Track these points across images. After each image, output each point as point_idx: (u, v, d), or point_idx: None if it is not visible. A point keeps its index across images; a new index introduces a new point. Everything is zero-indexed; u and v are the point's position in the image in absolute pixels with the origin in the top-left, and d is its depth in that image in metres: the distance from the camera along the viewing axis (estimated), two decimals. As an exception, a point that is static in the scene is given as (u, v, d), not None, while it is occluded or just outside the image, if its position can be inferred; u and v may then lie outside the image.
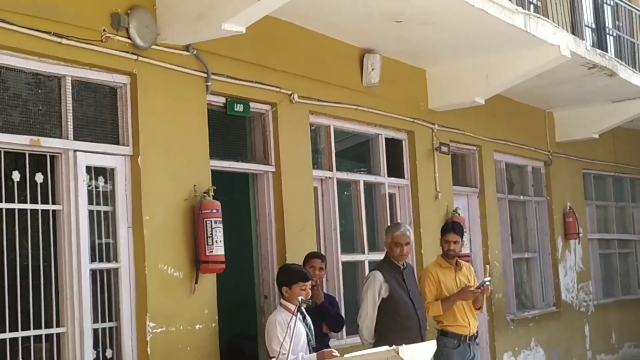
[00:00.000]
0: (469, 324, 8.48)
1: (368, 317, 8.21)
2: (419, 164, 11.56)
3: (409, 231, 8.47)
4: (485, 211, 13.16)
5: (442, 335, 8.40)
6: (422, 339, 7.99)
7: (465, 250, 11.82)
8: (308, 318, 7.25)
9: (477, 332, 8.60)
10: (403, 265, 8.37)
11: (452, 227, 8.86)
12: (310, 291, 7.13)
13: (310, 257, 8.54)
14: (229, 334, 9.39)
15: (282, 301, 7.16)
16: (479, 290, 8.39)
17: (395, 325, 8.12)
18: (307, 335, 7.07)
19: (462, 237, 8.67)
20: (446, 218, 11.70)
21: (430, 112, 11.80)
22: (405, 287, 8.29)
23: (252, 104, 8.99)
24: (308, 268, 8.16)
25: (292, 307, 6.91)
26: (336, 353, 6.94)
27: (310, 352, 7.05)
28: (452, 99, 11.75)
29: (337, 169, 10.27)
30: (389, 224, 10.89)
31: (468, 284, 8.53)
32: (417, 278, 8.76)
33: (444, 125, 12.04)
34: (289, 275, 7.21)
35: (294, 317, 6.65)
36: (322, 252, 9.88)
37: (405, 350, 6.51)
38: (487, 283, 8.47)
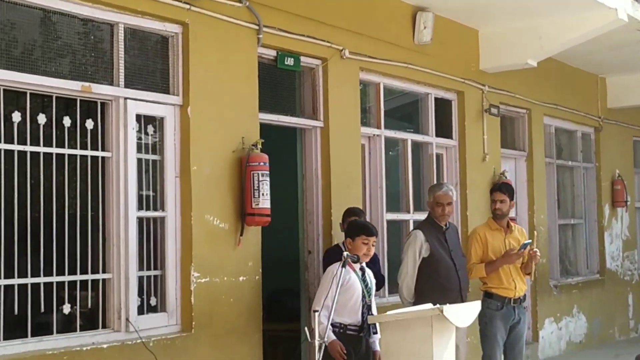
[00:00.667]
0: (515, 287, 8.40)
1: (408, 276, 8.18)
2: (468, 125, 11.47)
3: (451, 191, 8.38)
4: (533, 175, 13.06)
5: (486, 297, 8.34)
6: (462, 300, 7.93)
7: (511, 214, 11.75)
8: (369, 276, 7.21)
9: (524, 296, 8.50)
10: (446, 225, 8.32)
11: (499, 186, 8.80)
12: (372, 247, 7.10)
13: (346, 214, 8.45)
14: (272, 287, 9.41)
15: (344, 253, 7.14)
16: (522, 251, 8.30)
17: (435, 285, 8.07)
18: (363, 292, 7.03)
19: (510, 198, 8.55)
20: (493, 180, 11.63)
21: (481, 73, 11.68)
22: (447, 247, 8.23)
23: (302, 58, 8.94)
24: (345, 225, 8.13)
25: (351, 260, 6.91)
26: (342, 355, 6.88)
27: (363, 310, 7.02)
28: (503, 60, 11.61)
29: (385, 128, 10.20)
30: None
31: (517, 247, 8.42)
32: (461, 239, 8.68)
33: (494, 87, 11.92)
34: (354, 229, 7.19)
35: (340, 270, 6.61)
36: (367, 210, 9.88)
37: (449, 309, 6.52)
38: (530, 245, 8.37)
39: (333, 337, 6.81)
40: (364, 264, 7.12)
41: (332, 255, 8.11)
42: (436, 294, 7.86)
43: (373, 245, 7.12)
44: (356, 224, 7.33)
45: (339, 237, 8.54)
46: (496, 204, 8.50)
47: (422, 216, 10.51)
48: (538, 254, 8.46)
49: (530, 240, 8.47)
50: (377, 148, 10.07)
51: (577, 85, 14.24)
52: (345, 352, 6.84)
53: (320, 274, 8.26)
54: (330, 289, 6.60)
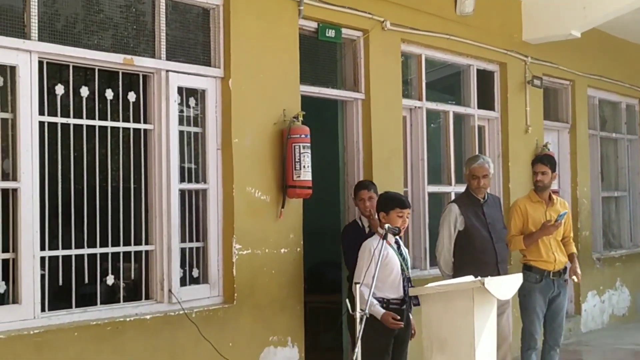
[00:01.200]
0: (554, 260, 8.34)
1: (444, 249, 8.17)
2: (510, 97, 11.38)
3: (488, 164, 8.26)
4: (576, 147, 12.95)
5: (526, 270, 8.28)
6: (498, 273, 7.84)
7: (554, 186, 11.66)
8: (404, 249, 7.21)
9: (564, 268, 8.44)
10: (484, 198, 8.25)
11: (541, 158, 8.69)
12: (407, 219, 7.08)
13: (356, 189, 8.27)
14: (313, 260, 9.43)
15: (379, 228, 7.13)
16: (559, 222, 8.24)
17: (471, 258, 8.02)
18: (401, 265, 7.03)
19: (553, 170, 8.47)
20: (535, 153, 11.54)
21: (523, 44, 11.56)
22: (484, 220, 8.15)
23: (343, 30, 8.90)
24: (358, 202, 8.09)
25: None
26: (398, 323, 6.89)
27: (404, 283, 7.02)
28: (547, 31, 11.48)
29: (427, 100, 10.15)
30: (476, 156, 10.81)
31: None
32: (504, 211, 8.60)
33: (537, 58, 11.81)
34: (387, 202, 7.14)
35: (380, 243, 6.61)
36: (408, 182, 9.86)
37: (490, 282, 6.50)
38: (565, 215, 8.31)
39: (382, 310, 6.82)
40: (398, 238, 7.09)
41: (351, 231, 8.12)
42: (472, 267, 7.71)
43: (407, 218, 7.09)
44: (389, 197, 7.25)
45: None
46: (537, 175, 8.43)
47: (463, 188, 10.51)
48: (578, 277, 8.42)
49: (566, 211, 8.41)
50: (418, 120, 10.02)
51: (622, 56, 14.05)
52: (399, 318, 6.85)
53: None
54: (370, 264, 6.59)
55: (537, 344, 8.35)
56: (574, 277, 8.39)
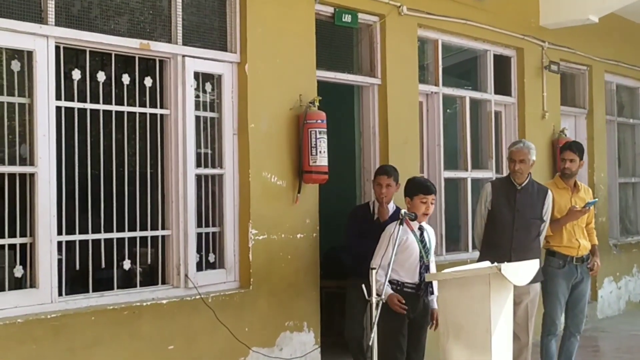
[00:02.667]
0: (578, 246, 8.30)
1: (477, 226, 8.21)
2: (527, 82, 11.33)
3: (528, 149, 8.04)
4: (593, 133, 12.89)
5: (549, 255, 8.26)
6: (509, 259, 7.67)
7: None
8: (428, 236, 7.18)
9: (587, 254, 8.41)
10: (521, 184, 8.04)
11: (569, 145, 8.62)
12: (431, 205, 7.06)
13: (376, 173, 8.16)
14: (329, 245, 9.43)
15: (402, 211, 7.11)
16: (587, 209, 8.20)
17: (488, 239, 8.07)
18: (421, 252, 7.02)
19: (580, 157, 8.41)
20: (552, 138, 11.52)
21: (540, 29, 11.50)
22: (513, 205, 8.04)
23: (360, 15, 8.88)
24: (375, 186, 8.03)
25: (409, 221, 6.88)
26: (402, 307, 6.89)
27: (421, 270, 7.02)
28: (564, 16, 11.41)
29: (443, 85, 10.12)
30: (493, 141, 10.78)
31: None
32: (548, 202, 8.30)
33: (554, 43, 11.74)
34: (412, 187, 7.14)
35: (397, 228, 6.60)
36: (425, 168, 9.84)
37: (507, 268, 6.47)
38: (595, 203, 8.27)
39: (390, 291, 6.82)
40: (423, 224, 7.08)
41: (359, 214, 8.10)
42: (487, 247, 7.96)
43: (432, 204, 7.08)
44: (414, 183, 7.24)
45: (397, 194, 8.49)
46: (566, 163, 8.37)
47: (480, 174, 10.55)
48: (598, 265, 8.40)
49: (597, 199, 8.38)
50: (434, 105, 10.00)
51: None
52: (403, 302, 6.85)
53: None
54: (387, 248, 6.60)
55: (558, 330, 8.32)
56: (591, 268, 8.35)
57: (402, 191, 7.33)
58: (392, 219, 7.84)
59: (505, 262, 6.90)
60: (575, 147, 8.49)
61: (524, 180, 8.04)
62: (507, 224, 7.99)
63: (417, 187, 7.09)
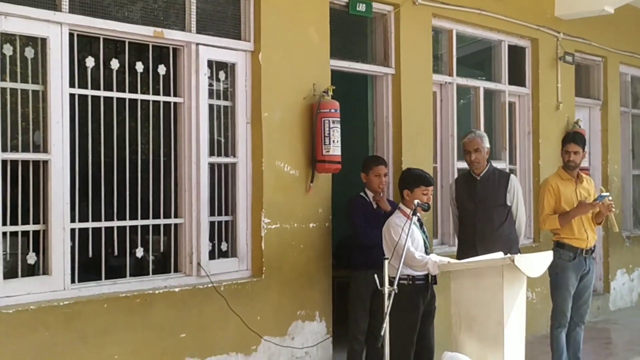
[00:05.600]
0: (587, 238, 8.29)
1: (453, 224, 8.41)
2: (542, 73, 11.28)
3: (480, 138, 8.17)
4: (607, 124, 12.84)
5: (558, 247, 8.24)
6: (476, 252, 7.56)
7: (584, 163, 11.56)
8: (424, 227, 7.20)
9: (594, 246, 8.41)
10: (480, 174, 8.15)
11: (573, 137, 8.59)
12: (431, 196, 7.05)
13: (373, 164, 8.12)
14: (341, 234, 9.41)
15: (401, 205, 7.10)
16: (598, 202, 8.17)
17: (459, 235, 8.31)
18: (425, 242, 7.01)
19: (583, 149, 8.40)
20: (566, 129, 11.45)
21: (555, 19, 11.45)
22: (474, 196, 8.10)
23: (374, 4, 8.85)
24: (373, 177, 8.03)
25: (409, 212, 6.86)
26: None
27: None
28: (579, 6, 11.35)
29: (457, 75, 10.08)
30: (507, 132, 10.74)
31: (588, 197, 8.31)
32: (512, 186, 8.30)
33: (569, 34, 11.69)
34: (412, 179, 7.11)
35: (409, 220, 6.61)
36: (438, 158, 9.81)
37: (521, 259, 6.47)
38: (606, 197, 8.23)
39: (446, 259, 6.84)
40: (419, 215, 7.04)
41: (358, 205, 8.07)
42: (459, 243, 8.23)
43: (431, 195, 7.07)
44: (413, 175, 7.19)
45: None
46: (570, 155, 8.35)
47: (494, 165, 10.44)
48: (613, 206, 8.30)
49: (608, 193, 8.34)
50: (448, 96, 9.96)
51: (655, 33, 13.89)
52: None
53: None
54: (399, 239, 6.57)
55: (567, 322, 8.31)
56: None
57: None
58: (394, 208, 7.85)
59: (472, 256, 6.96)
60: (578, 139, 8.48)
61: (482, 169, 8.16)
62: (469, 216, 8.12)
63: (418, 179, 7.07)
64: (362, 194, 8.16)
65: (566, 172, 8.40)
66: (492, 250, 7.17)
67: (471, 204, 8.15)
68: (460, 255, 7.07)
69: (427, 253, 6.98)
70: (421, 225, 7.12)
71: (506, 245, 7.71)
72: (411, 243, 6.74)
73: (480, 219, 8.10)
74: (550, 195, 8.31)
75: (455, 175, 9.88)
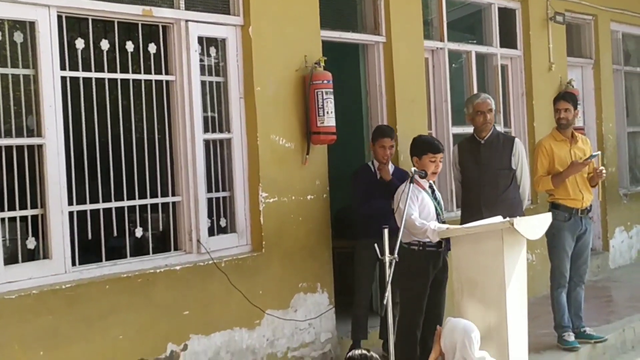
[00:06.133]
0: (582, 198, 8.30)
1: (456, 189, 8.42)
2: (533, 35, 11.24)
3: (490, 99, 8.22)
4: (600, 83, 12.81)
5: (554, 208, 8.23)
6: (482, 215, 7.51)
7: (579, 123, 11.56)
8: (438, 193, 7.19)
9: (590, 206, 8.41)
10: (484, 137, 8.14)
11: (563, 95, 8.61)
12: (440, 163, 7.04)
13: (379, 135, 8.16)
14: (339, 205, 9.42)
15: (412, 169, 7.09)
16: (589, 161, 8.18)
17: (463, 199, 8.26)
18: (437, 209, 7.01)
19: (575, 107, 8.39)
20: (560, 90, 11.41)
21: (545, -21, 11.42)
22: (478, 160, 8.09)
23: (362, -27, 8.81)
24: (378, 148, 8.06)
25: (419, 179, 6.86)
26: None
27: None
28: (567, -35, 11.32)
29: (449, 40, 10.04)
30: (500, 96, 10.71)
31: (583, 157, 8.29)
32: (517, 150, 8.32)
33: (558, -6, 11.65)
34: (420, 146, 7.12)
35: (408, 186, 6.62)
36: (433, 124, 9.80)
37: (520, 222, 6.48)
38: (597, 156, 8.24)
39: (444, 226, 6.86)
40: (432, 182, 7.06)
41: (363, 175, 8.14)
42: (463, 208, 8.18)
43: (440, 162, 7.06)
44: (421, 142, 7.21)
45: (406, 153, 8.46)
46: (560, 113, 8.35)
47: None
48: (604, 172, 8.29)
49: (599, 152, 8.35)
50: (440, 61, 9.94)
51: (645, -12, 13.84)
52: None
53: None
54: (405, 206, 6.56)
55: (567, 282, 8.34)
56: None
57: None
58: (395, 177, 7.87)
59: (477, 220, 6.96)
60: (568, 97, 8.49)
61: (488, 133, 8.07)
62: (474, 180, 8.07)
63: (426, 146, 7.07)
64: (369, 163, 8.24)
65: (560, 133, 8.39)
66: (497, 214, 7.19)
67: (475, 168, 8.12)
68: (465, 220, 7.05)
69: (439, 220, 6.98)
70: (433, 191, 7.10)
71: (511, 209, 7.71)
72: (421, 211, 6.75)
73: (485, 183, 8.07)
74: (544, 156, 8.32)
75: (451, 141, 9.89)
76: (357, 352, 5.24)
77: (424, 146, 7.08)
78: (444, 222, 7.03)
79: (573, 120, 8.43)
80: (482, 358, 5.99)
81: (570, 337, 8.32)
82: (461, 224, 7.36)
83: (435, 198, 7.06)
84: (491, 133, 8.17)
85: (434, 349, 6.27)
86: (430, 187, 7.07)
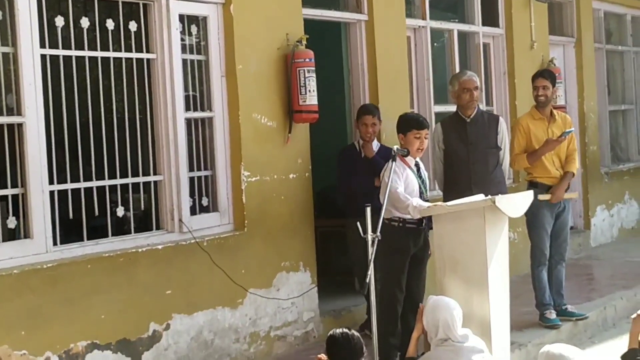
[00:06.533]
0: (560, 176, 8.33)
1: (436, 168, 8.22)
2: (515, 13, 11.23)
3: (475, 77, 8.15)
4: (582, 62, 12.83)
5: (531, 186, 8.21)
6: (471, 194, 7.34)
7: (561, 101, 11.59)
8: (423, 172, 7.16)
9: (569, 184, 8.44)
10: (470, 116, 8.01)
11: (541, 72, 8.61)
12: (425, 140, 7.02)
13: (361, 113, 8.21)
14: (322, 183, 9.42)
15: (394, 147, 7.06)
16: (563, 138, 8.19)
17: (448, 177, 8.06)
18: (420, 187, 7.00)
19: (553, 85, 8.38)
20: (542, 68, 11.43)
21: (527, -44, 11.40)
22: (465, 139, 7.99)
23: (343, -51, 8.77)
24: (360, 125, 8.09)
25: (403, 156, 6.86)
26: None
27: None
28: (550, -57, 11.30)
29: (431, 19, 10.02)
30: (483, 74, 10.70)
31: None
32: (501, 129, 8.25)
33: (540, -28, 11.63)
34: (404, 123, 7.08)
35: (390, 164, 6.62)
36: (415, 102, 9.80)
37: (501, 200, 6.49)
38: (571, 132, 8.25)
39: (425, 204, 6.83)
40: (418, 160, 7.05)
41: (347, 155, 8.20)
42: (448, 186, 7.96)
43: (426, 139, 7.04)
44: (406, 119, 7.19)
45: (388, 131, 8.47)
46: (539, 90, 8.35)
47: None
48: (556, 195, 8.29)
49: (572, 129, 8.34)
50: (422, 40, 9.92)
51: (627, -33, 13.86)
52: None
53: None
54: (388, 183, 6.55)
55: (547, 260, 8.37)
56: (549, 195, 8.25)
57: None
58: (379, 155, 7.86)
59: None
60: (547, 74, 8.50)
61: (473, 111, 8.00)
62: (463, 159, 7.94)
63: (410, 123, 7.04)
64: (355, 142, 8.29)
65: (538, 112, 8.39)
66: (488, 193, 7.20)
67: (463, 147, 7.97)
68: (452, 198, 6.98)
69: (422, 198, 6.97)
70: (418, 169, 7.09)
71: (498, 187, 7.68)
72: (405, 187, 6.75)
73: (474, 162, 7.96)
74: (521, 134, 8.33)
75: (434, 120, 9.87)
76: (338, 330, 5.25)
77: (408, 123, 7.05)
78: (427, 200, 7.02)
79: (551, 98, 8.43)
80: (465, 335, 6.01)
81: (552, 314, 8.36)
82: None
83: (420, 177, 7.04)
84: (476, 111, 8.09)
85: (416, 327, 6.28)
86: (417, 165, 7.04)
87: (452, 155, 8.05)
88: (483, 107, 10.50)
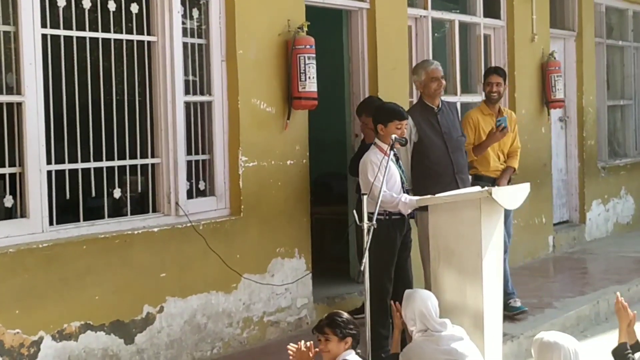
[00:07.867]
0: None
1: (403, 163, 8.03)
2: (516, 5, 11.22)
3: (440, 66, 7.92)
4: (582, 56, 12.83)
5: (476, 180, 8.16)
6: (456, 183, 7.51)
7: (560, 95, 11.60)
8: (401, 161, 7.18)
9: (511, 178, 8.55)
10: (438, 106, 7.78)
11: (495, 69, 8.77)
12: (405, 130, 7.00)
13: (357, 113, 8.32)
14: (319, 171, 9.43)
15: (377, 141, 7.00)
16: (507, 130, 8.22)
17: (427, 170, 7.63)
18: (401, 177, 6.99)
19: (505, 82, 8.54)
20: (542, 61, 11.48)
21: (530, -50, 11.38)
22: (438, 129, 7.72)
23: (347, -64, 8.75)
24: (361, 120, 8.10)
25: (386, 147, 6.80)
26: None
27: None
28: None
29: (432, 9, 10.01)
30: (482, 66, 10.70)
31: (509, 132, 8.38)
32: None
33: (543, -35, 11.62)
34: (385, 114, 7.02)
35: (386, 157, 6.60)
36: (414, 93, 9.76)
37: (498, 191, 6.51)
38: (505, 120, 8.25)
39: (414, 198, 6.87)
40: (396, 150, 6.99)
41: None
42: (429, 180, 7.51)
43: (405, 129, 7.02)
44: (386, 109, 7.10)
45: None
46: (492, 86, 8.46)
47: (469, 98, 10.50)
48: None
49: (505, 117, 8.36)
50: (423, 30, 9.91)
51: (630, -38, 13.84)
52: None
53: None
54: (377, 176, 6.56)
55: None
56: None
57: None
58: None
59: (453, 190, 6.95)
60: (500, 71, 8.64)
61: (439, 101, 7.82)
62: (441, 150, 7.59)
63: (391, 114, 6.96)
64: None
65: (487, 107, 8.55)
66: (466, 181, 7.17)
67: (438, 137, 7.69)
68: (438, 190, 6.91)
69: (403, 188, 6.97)
70: (397, 160, 7.09)
71: (468, 176, 7.80)
72: (388, 180, 6.71)
73: (453, 151, 7.76)
74: (470, 128, 8.40)
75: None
76: (327, 314, 5.34)
77: (390, 113, 6.96)
78: (407, 191, 7.03)
79: (502, 94, 8.61)
80: (443, 323, 6.08)
81: (517, 302, 8.42)
82: (432, 194, 7.16)
83: (399, 166, 7.04)
84: (441, 101, 7.89)
85: (395, 324, 6.34)
86: (395, 155, 6.98)
87: (430, 147, 7.66)
88: (483, 98, 10.52)
